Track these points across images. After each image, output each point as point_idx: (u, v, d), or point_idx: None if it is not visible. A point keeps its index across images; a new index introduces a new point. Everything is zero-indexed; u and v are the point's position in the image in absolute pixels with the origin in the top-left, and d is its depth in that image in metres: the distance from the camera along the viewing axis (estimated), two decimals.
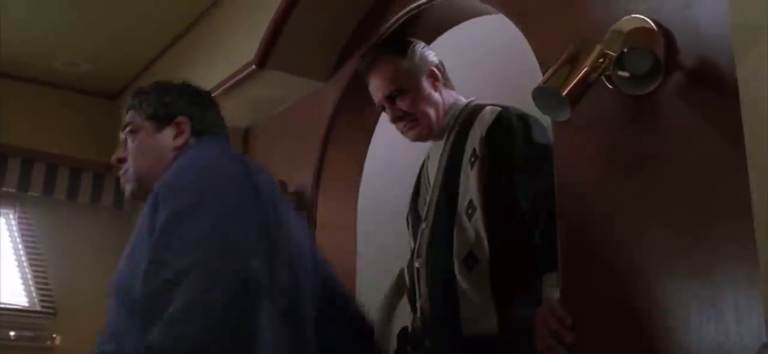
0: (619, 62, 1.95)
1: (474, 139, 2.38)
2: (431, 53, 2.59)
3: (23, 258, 4.75)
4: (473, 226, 2.31)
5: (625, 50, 1.93)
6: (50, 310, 4.65)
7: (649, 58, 1.92)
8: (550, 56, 2.20)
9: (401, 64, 2.52)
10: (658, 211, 1.95)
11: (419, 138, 2.55)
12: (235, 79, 3.53)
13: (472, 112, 2.49)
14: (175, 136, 2.14)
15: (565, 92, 1.98)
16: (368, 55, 2.63)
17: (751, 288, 1.71)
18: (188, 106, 2.19)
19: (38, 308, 4.65)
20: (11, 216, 4.80)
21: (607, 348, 2.01)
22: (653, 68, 1.93)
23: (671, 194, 1.93)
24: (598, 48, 2.01)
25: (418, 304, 2.48)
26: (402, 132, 2.57)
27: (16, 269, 4.74)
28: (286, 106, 3.71)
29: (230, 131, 3.85)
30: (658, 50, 1.92)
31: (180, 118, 2.16)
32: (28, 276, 4.73)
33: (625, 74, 1.96)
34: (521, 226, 2.29)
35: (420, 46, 2.58)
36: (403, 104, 2.50)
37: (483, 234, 2.30)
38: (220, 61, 3.74)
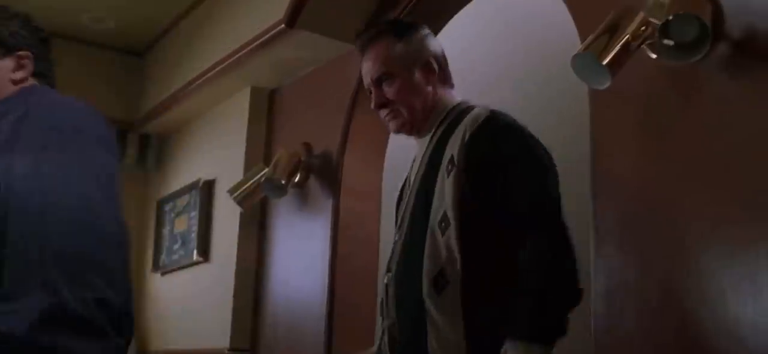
0: (664, 30, 1.89)
1: (454, 144, 2.12)
2: (435, 43, 2.36)
3: None
4: (446, 242, 2.06)
5: (671, 17, 1.87)
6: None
7: (695, 26, 1.87)
8: (589, 23, 2.15)
9: (395, 48, 2.29)
10: (698, 185, 1.90)
11: (401, 130, 2.32)
12: (264, 39, 3.49)
13: (460, 114, 2.23)
14: (14, 69, 1.93)
15: (606, 60, 1.93)
16: (365, 33, 2.40)
17: None
18: (33, 41, 2.06)
19: None
20: None
21: (642, 320, 1.97)
22: (700, 36, 1.87)
23: (713, 168, 1.87)
24: (640, 15, 1.96)
25: (384, 324, 2.25)
26: (384, 121, 2.34)
27: None
28: (314, 67, 3.66)
29: (256, 92, 3.93)
30: (705, 17, 1.86)
31: (24, 52, 2.04)
32: None
33: (670, 42, 1.90)
34: (502, 247, 2.04)
35: (423, 32, 2.36)
36: (389, 90, 2.28)
37: (456, 253, 2.03)
38: (249, 19, 3.70)
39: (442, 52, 2.34)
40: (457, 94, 2.30)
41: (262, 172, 3.54)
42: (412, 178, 2.28)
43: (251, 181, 3.60)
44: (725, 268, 1.81)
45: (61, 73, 4.93)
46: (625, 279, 2.02)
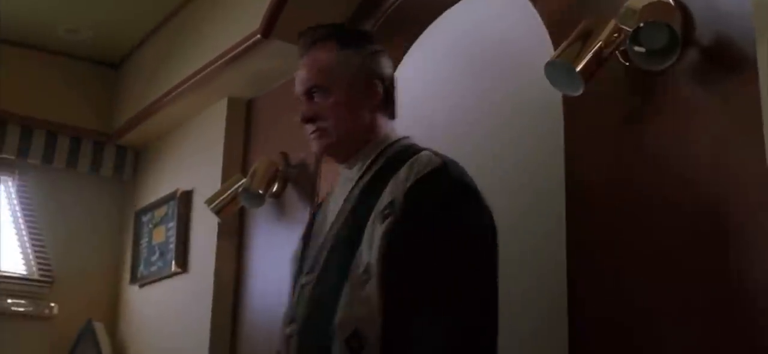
0: (635, 37, 1.91)
1: (397, 188, 1.83)
2: (385, 63, 2.06)
3: (22, 225, 4.72)
4: (365, 297, 1.77)
5: (642, 24, 1.89)
6: (48, 279, 4.63)
7: (665, 33, 1.89)
8: (562, 32, 2.17)
9: (337, 57, 2.00)
10: (669, 192, 1.92)
11: (325, 153, 2.05)
12: (240, 49, 3.49)
13: (402, 152, 1.95)
14: None
15: (579, 67, 1.95)
16: (308, 34, 2.08)
17: None
18: None
19: (36, 276, 4.62)
20: (10, 183, 4.77)
21: (618, 321, 1.99)
22: (670, 43, 1.90)
23: (685, 174, 1.90)
24: (612, 22, 1.98)
25: None
26: (308, 139, 2.04)
27: (15, 237, 4.71)
28: (290, 77, 3.65)
29: (234, 102, 3.92)
30: (675, 25, 1.89)
31: None
32: (27, 244, 4.70)
33: (641, 49, 1.93)
34: (427, 310, 1.76)
35: (374, 47, 2.07)
36: (320, 105, 1.99)
37: (376, 311, 1.75)
38: (225, 30, 3.70)
39: (392, 77, 2.07)
40: (398, 129, 2.05)
41: (240, 183, 3.53)
42: (333, 216, 1.98)
43: (229, 192, 3.59)
44: (702, 270, 1.83)
45: (36, 85, 4.93)
46: (601, 284, 2.03)
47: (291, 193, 3.48)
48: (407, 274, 1.76)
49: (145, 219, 4.54)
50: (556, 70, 2.00)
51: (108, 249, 4.83)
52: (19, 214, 4.74)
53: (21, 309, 4.50)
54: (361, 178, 1.96)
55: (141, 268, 4.49)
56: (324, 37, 2.04)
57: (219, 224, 3.73)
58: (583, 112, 2.16)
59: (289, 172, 3.49)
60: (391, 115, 2.06)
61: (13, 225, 4.72)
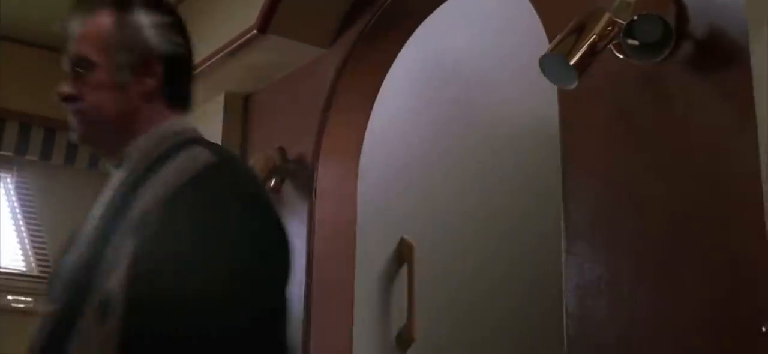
0: (629, 30, 1.91)
1: (156, 193, 1.39)
2: (175, 41, 1.61)
3: (20, 222, 4.73)
4: (104, 336, 1.32)
5: (635, 17, 1.89)
6: (47, 275, 4.63)
7: (659, 26, 1.89)
8: (557, 25, 2.17)
9: (112, 27, 1.56)
10: (664, 184, 1.93)
11: (83, 142, 1.61)
12: (236, 45, 3.49)
13: (174, 148, 1.49)
14: None
15: (573, 61, 1.95)
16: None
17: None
18: None
19: (35, 272, 4.63)
20: (9, 180, 4.77)
21: (614, 315, 1.99)
22: (664, 36, 1.89)
23: (679, 167, 1.90)
24: (606, 15, 1.98)
25: None
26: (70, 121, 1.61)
27: (14, 233, 4.72)
28: (287, 72, 3.67)
29: (231, 97, 3.92)
30: (669, 18, 1.89)
31: None
32: (26, 240, 4.71)
33: (635, 42, 1.93)
34: None
35: (162, 19, 1.61)
36: (81, 82, 1.57)
37: None
38: (221, 26, 3.69)
39: (184, 56, 1.63)
40: (187, 121, 1.59)
41: None
42: (88, 229, 1.50)
43: None
44: (691, 268, 1.83)
45: (34, 81, 4.91)
46: (597, 275, 2.04)
47: (289, 188, 3.48)
48: (158, 308, 1.29)
49: None
50: (551, 63, 2.00)
51: None
52: (17, 211, 4.74)
53: (21, 305, 4.51)
54: (123, 181, 1.50)
55: None
56: (103, 3, 1.59)
57: None
58: (579, 105, 2.16)
59: (286, 167, 3.49)
60: (178, 103, 1.59)
61: (12, 221, 4.73)
